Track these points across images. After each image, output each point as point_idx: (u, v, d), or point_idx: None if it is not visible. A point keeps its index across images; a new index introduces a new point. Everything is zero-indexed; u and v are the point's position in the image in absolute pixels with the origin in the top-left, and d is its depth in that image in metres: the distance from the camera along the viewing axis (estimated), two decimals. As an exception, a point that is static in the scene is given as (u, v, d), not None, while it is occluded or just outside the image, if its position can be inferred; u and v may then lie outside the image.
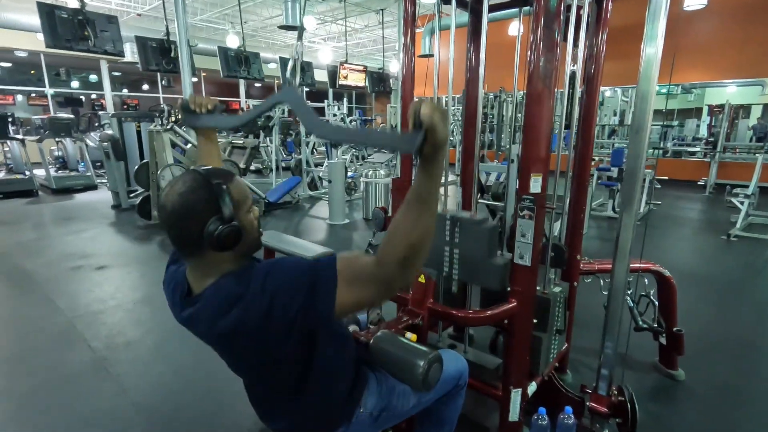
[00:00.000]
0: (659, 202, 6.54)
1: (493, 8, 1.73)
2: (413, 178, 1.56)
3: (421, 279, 1.54)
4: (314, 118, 0.86)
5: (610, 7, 1.70)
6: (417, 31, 12.42)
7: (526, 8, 1.81)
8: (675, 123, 12.83)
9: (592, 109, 1.78)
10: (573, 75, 1.65)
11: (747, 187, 5.06)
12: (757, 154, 7.39)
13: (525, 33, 1.75)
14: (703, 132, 12.08)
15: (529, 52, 1.36)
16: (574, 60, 1.66)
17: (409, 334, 1.38)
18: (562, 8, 1.34)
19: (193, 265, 0.91)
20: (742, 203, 4.94)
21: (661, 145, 10.80)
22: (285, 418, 1.07)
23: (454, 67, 1.69)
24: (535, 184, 1.43)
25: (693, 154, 9.37)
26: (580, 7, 1.55)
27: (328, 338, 0.97)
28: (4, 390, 2.11)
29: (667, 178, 7.94)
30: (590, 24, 1.68)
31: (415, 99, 0.78)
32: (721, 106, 8.73)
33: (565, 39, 1.47)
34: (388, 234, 0.80)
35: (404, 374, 1.15)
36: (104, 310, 2.96)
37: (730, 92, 11.67)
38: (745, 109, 12.52)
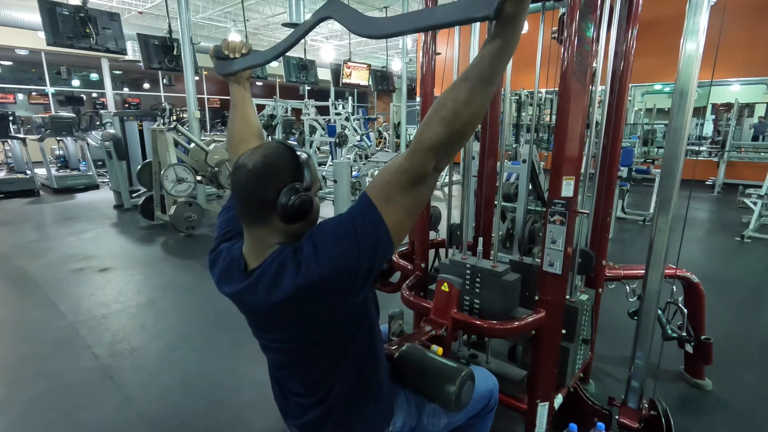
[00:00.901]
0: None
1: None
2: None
3: (445, 288, 1.46)
4: (364, 20, 0.77)
5: (641, 1, 1.61)
6: (421, 29, 12.45)
7: (550, 3, 1.74)
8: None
9: (621, 107, 1.70)
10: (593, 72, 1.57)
11: (757, 186, 4.98)
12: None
13: (546, 29, 1.68)
14: (707, 131, 11.98)
15: (562, 49, 1.28)
16: (606, 57, 1.57)
17: (434, 347, 1.31)
18: (598, 2, 1.26)
19: (254, 237, 0.87)
20: (755, 204, 4.86)
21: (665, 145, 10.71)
22: (314, 410, 0.97)
23: (463, 65, 1.60)
24: (567, 188, 1.35)
25: (698, 153, 9.27)
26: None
27: (372, 296, 0.93)
28: (5, 398, 2.04)
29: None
30: (621, 19, 1.59)
31: None
32: (727, 105, 8.63)
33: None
34: (428, 116, 0.72)
35: (435, 392, 1.08)
36: (107, 315, 2.88)
37: (734, 91, 11.59)
38: (750, 108, 12.44)
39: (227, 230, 0.99)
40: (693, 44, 1.29)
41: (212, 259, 0.97)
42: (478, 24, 1.47)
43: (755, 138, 10.28)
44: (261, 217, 0.84)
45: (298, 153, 0.86)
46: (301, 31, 0.95)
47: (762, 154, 8.95)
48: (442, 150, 0.73)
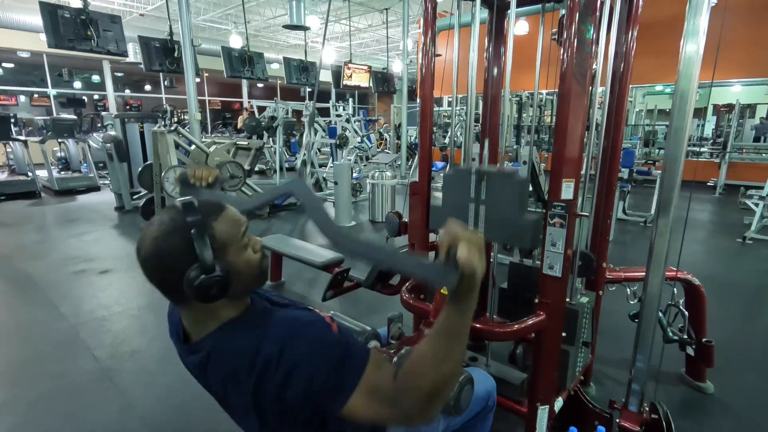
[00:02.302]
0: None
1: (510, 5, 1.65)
2: (431, 179, 1.50)
3: (444, 290, 1.46)
4: (330, 224, 0.78)
5: (641, 2, 1.61)
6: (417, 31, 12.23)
7: (549, 5, 1.74)
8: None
9: (622, 108, 1.69)
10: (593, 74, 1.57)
11: (758, 187, 4.97)
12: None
13: (546, 30, 1.68)
14: (707, 132, 11.95)
15: (561, 50, 1.27)
16: (606, 58, 1.57)
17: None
18: (598, 3, 1.25)
19: (186, 312, 0.81)
20: (756, 205, 4.84)
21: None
22: None
23: (463, 67, 1.59)
24: (567, 190, 1.35)
25: (699, 154, 9.26)
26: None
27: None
28: (6, 401, 2.03)
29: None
30: (620, 20, 1.59)
31: (448, 224, 0.70)
32: (728, 106, 8.62)
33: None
34: (413, 363, 0.72)
35: (433, 397, 1.07)
36: (108, 317, 2.88)
37: (735, 92, 11.58)
38: (751, 109, 12.42)
39: None
40: (693, 46, 1.28)
41: (168, 312, 0.93)
42: (477, 26, 1.46)
43: (756, 139, 10.27)
44: (180, 300, 0.77)
45: (194, 220, 0.71)
46: (265, 199, 1.06)
47: (763, 155, 8.94)
48: (429, 401, 0.70)
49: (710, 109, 13.38)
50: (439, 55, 1.72)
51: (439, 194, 1.57)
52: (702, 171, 8.59)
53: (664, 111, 13.33)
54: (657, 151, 9.60)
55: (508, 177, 1.36)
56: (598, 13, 1.29)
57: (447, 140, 8.62)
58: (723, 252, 4.36)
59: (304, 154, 6.78)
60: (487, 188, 1.38)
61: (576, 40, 1.23)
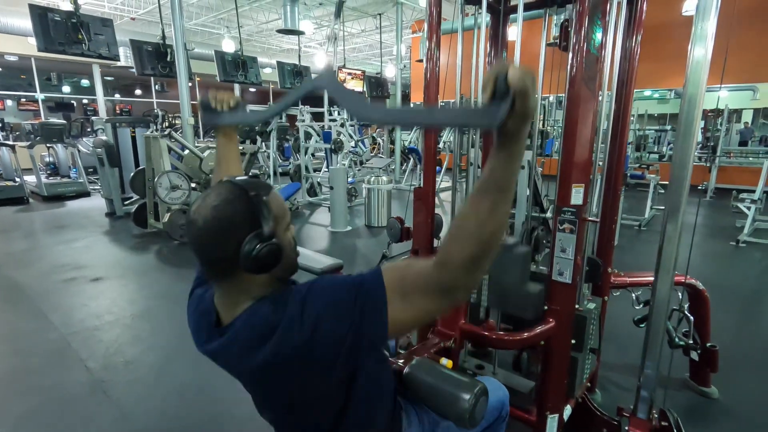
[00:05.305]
0: (662, 207, 6.50)
1: (513, 10, 1.64)
2: (436, 184, 1.47)
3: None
4: (360, 102, 0.73)
5: (644, 7, 1.61)
6: (415, 36, 12.30)
7: (552, 8, 1.73)
8: (668, 127, 12.91)
9: (626, 112, 1.69)
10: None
11: (749, 191, 5.03)
12: (762, 159, 7.40)
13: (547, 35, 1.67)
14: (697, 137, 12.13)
15: (570, 54, 1.26)
16: (612, 63, 1.56)
17: (444, 360, 1.27)
18: (607, 7, 1.25)
19: (224, 290, 0.81)
20: (748, 208, 4.90)
21: (656, 150, 10.87)
22: None
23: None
24: (577, 196, 1.33)
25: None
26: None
27: (373, 366, 0.85)
28: (-7, 416, 1.96)
29: (666, 182, 7.93)
30: (625, 25, 1.59)
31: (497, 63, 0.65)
32: (716, 111, 8.77)
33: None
34: (453, 230, 0.68)
35: (447, 408, 1.04)
36: (100, 326, 2.81)
37: (722, 97, 11.80)
38: (737, 114, 12.65)
39: (200, 272, 0.93)
40: (701, 50, 1.28)
41: (188, 308, 0.91)
42: (483, 30, 1.45)
43: (742, 143, 10.46)
44: (226, 274, 0.77)
45: (253, 193, 0.75)
46: (291, 99, 0.94)
47: (750, 158, 9.11)
48: (474, 265, 0.67)
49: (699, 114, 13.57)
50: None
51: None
52: (692, 175, 8.69)
53: (652, 116, 13.51)
54: (647, 155, 9.72)
55: (509, 249, 1.40)
56: (606, 18, 1.28)
57: (441, 145, 8.64)
58: (717, 255, 4.39)
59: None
60: None
61: (585, 45, 1.22)
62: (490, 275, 1.45)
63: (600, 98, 1.49)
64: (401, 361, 1.16)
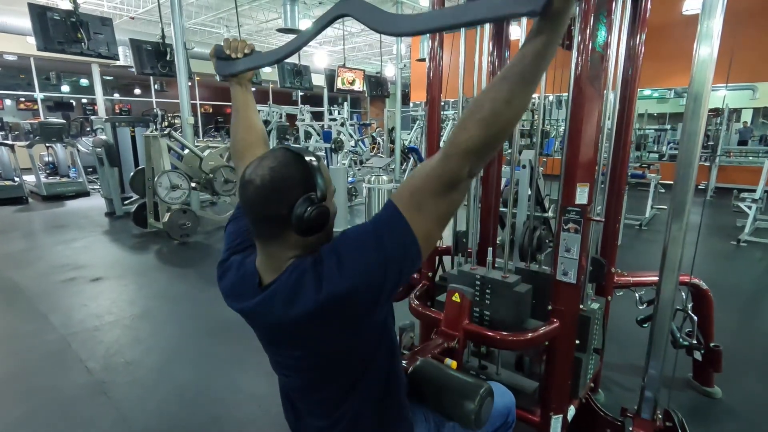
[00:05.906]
0: (664, 207, 6.49)
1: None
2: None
3: (456, 298, 1.42)
4: (387, 18, 0.72)
5: (649, 5, 1.60)
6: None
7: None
8: (668, 127, 12.92)
9: (630, 112, 1.68)
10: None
11: (747, 190, 5.03)
12: (762, 158, 7.41)
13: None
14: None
15: (576, 54, 1.25)
16: (616, 62, 1.55)
17: (448, 361, 1.26)
18: (612, 5, 1.24)
19: (270, 250, 0.82)
20: (749, 208, 4.89)
21: (656, 149, 10.88)
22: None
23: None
24: (582, 195, 1.32)
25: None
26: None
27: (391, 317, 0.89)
28: (-7, 418, 1.95)
29: (666, 182, 7.93)
30: (629, 23, 1.58)
31: None
32: (715, 110, 8.76)
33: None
34: (465, 115, 0.68)
35: (453, 410, 1.03)
36: (100, 327, 2.79)
37: (721, 96, 11.80)
38: (736, 113, 12.66)
39: (239, 241, 0.93)
40: (707, 49, 1.27)
41: (221, 272, 0.91)
42: (487, 29, 1.43)
43: (742, 142, 10.45)
44: (275, 234, 0.79)
45: (308, 159, 0.79)
46: (314, 30, 0.90)
47: (750, 157, 9.11)
48: (479, 153, 0.69)
49: (698, 113, 13.57)
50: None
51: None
52: (692, 174, 8.69)
53: (652, 115, 13.49)
54: (647, 154, 9.71)
55: (508, 287, 1.47)
56: (611, 16, 1.27)
57: (442, 145, 8.62)
58: (718, 254, 4.38)
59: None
60: (490, 294, 1.51)
61: (590, 43, 1.21)
62: (491, 312, 1.52)
63: (606, 97, 1.48)
64: (405, 361, 1.16)
